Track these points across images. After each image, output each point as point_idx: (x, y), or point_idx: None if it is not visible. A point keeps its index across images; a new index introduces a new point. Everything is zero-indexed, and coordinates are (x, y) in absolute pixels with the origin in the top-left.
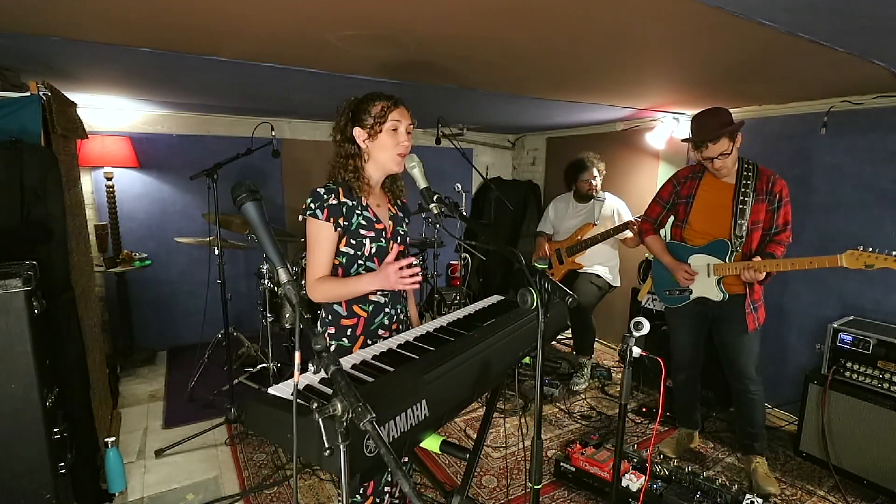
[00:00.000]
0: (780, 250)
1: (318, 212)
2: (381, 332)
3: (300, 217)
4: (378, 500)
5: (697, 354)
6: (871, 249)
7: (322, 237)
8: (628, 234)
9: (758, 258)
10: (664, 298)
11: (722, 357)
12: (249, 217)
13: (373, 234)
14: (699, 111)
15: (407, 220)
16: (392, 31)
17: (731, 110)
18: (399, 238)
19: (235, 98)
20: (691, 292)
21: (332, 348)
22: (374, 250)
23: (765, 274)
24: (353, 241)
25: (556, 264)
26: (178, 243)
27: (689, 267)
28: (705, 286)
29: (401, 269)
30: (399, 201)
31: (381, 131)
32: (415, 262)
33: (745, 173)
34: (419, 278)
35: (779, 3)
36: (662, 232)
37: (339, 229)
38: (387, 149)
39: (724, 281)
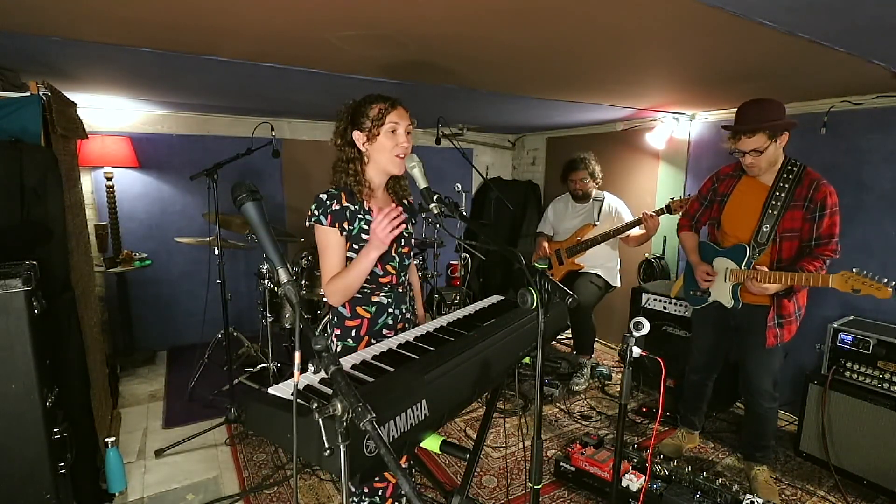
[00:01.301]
0: (815, 265)
1: (321, 218)
2: (385, 331)
3: (307, 223)
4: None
5: (715, 359)
6: (864, 273)
7: (330, 242)
8: (629, 233)
9: (763, 268)
10: (688, 298)
11: (739, 368)
12: (249, 217)
13: None
14: (749, 99)
15: (413, 221)
16: (392, 31)
17: (729, 110)
18: (403, 240)
19: (235, 98)
20: (709, 295)
21: (339, 349)
22: None
23: (778, 288)
24: (355, 246)
25: (556, 265)
26: (178, 243)
27: (710, 268)
28: (720, 291)
29: (383, 220)
30: (406, 202)
31: (379, 134)
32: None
33: (785, 175)
34: (402, 218)
35: (779, 3)
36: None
37: (343, 234)
38: (385, 151)
39: (741, 289)
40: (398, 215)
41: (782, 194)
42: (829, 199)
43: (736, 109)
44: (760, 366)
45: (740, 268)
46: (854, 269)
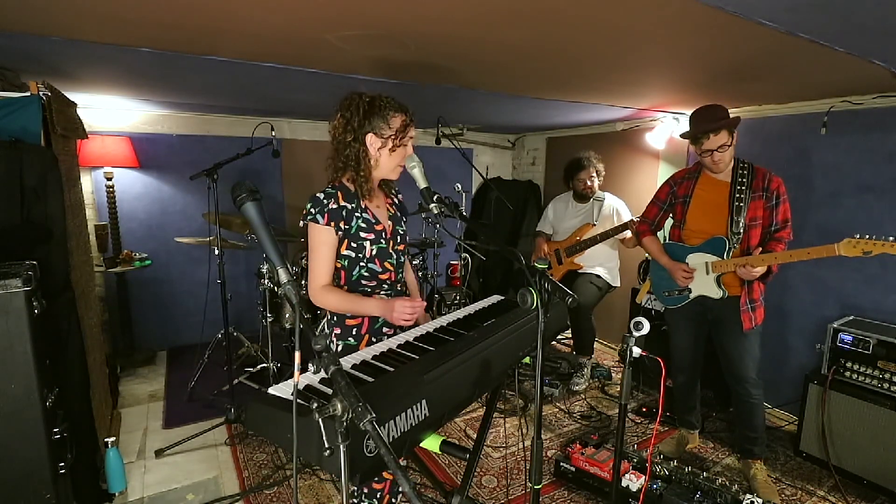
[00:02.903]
0: (780, 247)
1: (318, 216)
2: (385, 329)
3: (301, 222)
4: (394, 500)
5: (697, 355)
6: (868, 236)
7: (323, 242)
8: (628, 234)
9: (758, 251)
10: (663, 299)
11: (721, 359)
12: (249, 217)
13: (373, 235)
14: (697, 107)
15: (405, 219)
16: (392, 31)
17: (730, 110)
18: (399, 238)
19: (235, 98)
20: (690, 291)
21: (339, 348)
22: (374, 252)
23: (763, 270)
24: (353, 245)
25: (555, 265)
26: (178, 243)
27: (687, 266)
28: (704, 284)
29: (408, 307)
30: (397, 199)
31: (400, 145)
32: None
33: (741, 171)
34: (419, 314)
35: (779, 3)
36: (661, 234)
37: (339, 233)
38: (397, 161)
39: (723, 280)
40: (418, 310)
41: (743, 187)
42: (781, 187)
43: (691, 117)
44: (743, 352)
45: (723, 258)
46: (857, 235)
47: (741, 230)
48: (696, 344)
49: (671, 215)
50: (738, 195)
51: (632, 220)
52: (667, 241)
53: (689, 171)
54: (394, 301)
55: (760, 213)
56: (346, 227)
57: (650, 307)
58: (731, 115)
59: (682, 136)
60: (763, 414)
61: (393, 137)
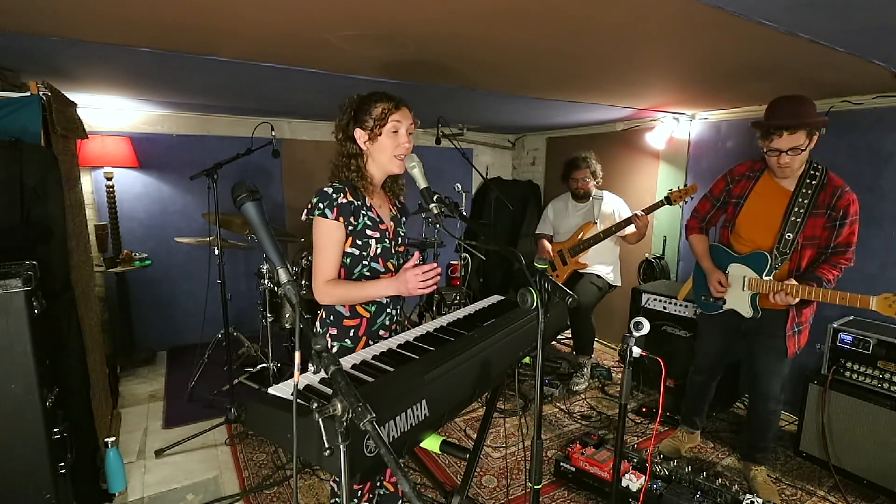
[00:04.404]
0: (833, 274)
1: (326, 211)
2: (381, 332)
3: (304, 217)
4: (371, 496)
5: (720, 362)
6: None
7: (332, 238)
8: (629, 230)
9: (792, 281)
10: (700, 303)
11: (748, 370)
12: (249, 217)
13: (378, 234)
14: (781, 96)
15: (404, 220)
16: (392, 30)
17: (730, 110)
18: (399, 239)
19: (235, 98)
20: (724, 302)
21: (335, 350)
22: (378, 251)
23: (800, 299)
24: (358, 242)
25: (560, 265)
26: (178, 243)
27: (724, 277)
28: (737, 299)
29: (421, 273)
30: (398, 201)
31: (380, 134)
32: (436, 265)
33: (809, 181)
34: (437, 279)
35: (779, 3)
36: (712, 231)
37: (348, 229)
38: (386, 151)
39: (760, 296)
40: (436, 274)
41: (805, 201)
42: (851, 207)
43: (767, 106)
44: (773, 371)
45: (761, 277)
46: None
47: (790, 249)
48: (721, 351)
49: (723, 214)
50: (796, 208)
51: (635, 214)
52: (716, 241)
53: (752, 167)
54: (403, 272)
55: (819, 232)
56: (355, 223)
57: (651, 306)
58: (735, 116)
59: (753, 124)
60: (777, 427)
61: (373, 126)
